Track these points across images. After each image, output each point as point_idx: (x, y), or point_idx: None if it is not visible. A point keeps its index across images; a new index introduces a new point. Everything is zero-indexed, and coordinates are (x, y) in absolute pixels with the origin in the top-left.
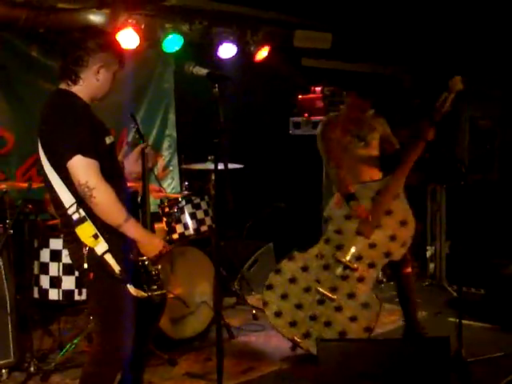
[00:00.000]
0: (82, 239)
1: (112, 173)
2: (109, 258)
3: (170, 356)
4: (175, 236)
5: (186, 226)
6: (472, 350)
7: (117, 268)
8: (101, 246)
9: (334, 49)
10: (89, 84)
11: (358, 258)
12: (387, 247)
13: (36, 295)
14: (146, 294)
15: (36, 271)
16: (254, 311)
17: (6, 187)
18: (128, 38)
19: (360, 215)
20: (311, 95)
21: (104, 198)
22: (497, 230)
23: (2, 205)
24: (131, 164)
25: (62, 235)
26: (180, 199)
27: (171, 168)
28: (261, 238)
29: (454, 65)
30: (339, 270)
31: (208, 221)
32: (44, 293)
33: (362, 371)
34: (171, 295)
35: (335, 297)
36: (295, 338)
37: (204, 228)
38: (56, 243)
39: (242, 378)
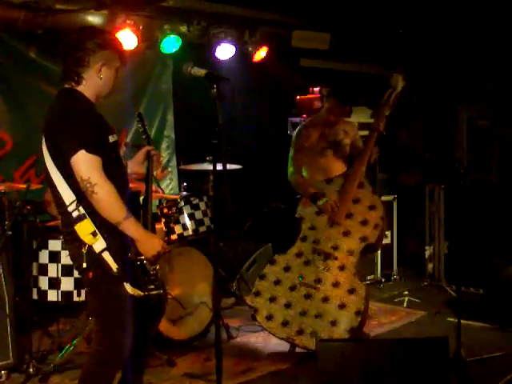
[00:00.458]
0: (81, 236)
1: (114, 171)
2: (107, 256)
3: (169, 357)
4: (174, 237)
5: (184, 227)
6: (471, 349)
7: (114, 266)
8: (99, 244)
9: (333, 49)
10: (92, 83)
11: (335, 247)
12: (361, 232)
13: (35, 296)
14: (142, 293)
15: (35, 272)
16: (252, 312)
17: (4, 188)
18: (126, 39)
19: (327, 209)
20: (309, 95)
21: (105, 195)
22: (495, 230)
23: (1, 206)
24: (136, 165)
25: (61, 236)
26: (178, 200)
27: (170, 169)
28: (259, 239)
29: (452, 65)
30: (320, 263)
31: (207, 221)
32: (43, 294)
33: (362, 371)
34: (168, 296)
35: (318, 285)
36: (290, 337)
37: (203, 229)
38: (55, 244)
39: (242, 378)
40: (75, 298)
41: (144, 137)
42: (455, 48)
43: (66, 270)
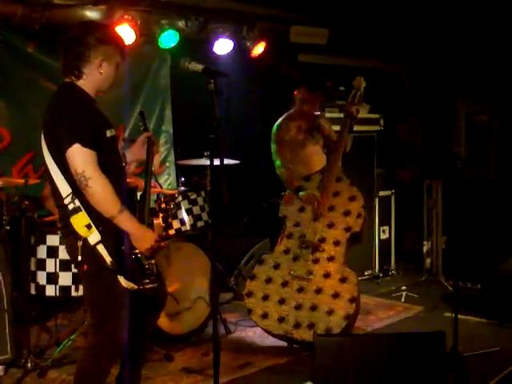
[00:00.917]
0: (76, 229)
1: (111, 165)
2: (101, 248)
3: (167, 351)
4: (172, 231)
5: (182, 222)
6: (468, 344)
7: (108, 259)
8: (94, 237)
9: (331, 44)
10: (92, 78)
11: (321, 240)
12: (345, 223)
13: (33, 291)
14: (136, 287)
15: (33, 267)
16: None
17: (2, 184)
18: (124, 34)
19: (310, 200)
20: None
21: (99, 189)
22: (493, 225)
23: None
24: (135, 151)
25: (59, 231)
26: (176, 195)
27: (168, 164)
28: (257, 234)
29: (450, 60)
30: (309, 256)
31: (204, 216)
32: (41, 289)
33: (359, 366)
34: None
35: (311, 277)
36: (288, 332)
37: (200, 223)
38: (53, 239)
39: (239, 372)
40: (73, 293)
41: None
42: (453, 43)
43: (64, 265)
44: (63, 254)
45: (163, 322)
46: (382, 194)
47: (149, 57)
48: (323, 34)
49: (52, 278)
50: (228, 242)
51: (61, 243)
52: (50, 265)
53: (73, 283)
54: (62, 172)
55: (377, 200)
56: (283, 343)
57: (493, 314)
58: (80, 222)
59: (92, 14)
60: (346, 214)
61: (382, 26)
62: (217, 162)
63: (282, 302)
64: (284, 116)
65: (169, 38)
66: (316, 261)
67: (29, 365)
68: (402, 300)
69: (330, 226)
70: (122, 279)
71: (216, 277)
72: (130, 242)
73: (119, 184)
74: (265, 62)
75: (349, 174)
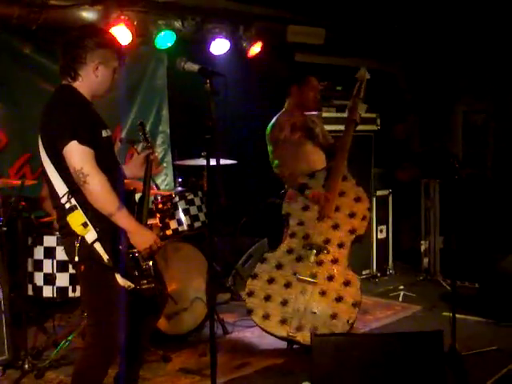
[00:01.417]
0: (72, 227)
1: (107, 165)
2: (98, 246)
3: (164, 352)
4: (169, 232)
5: (179, 222)
6: (466, 343)
7: (105, 257)
8: (90, 235)
9: (328, 44)
10: (88, 80)
11: (326, 241)
12: (350, 224)
13: (30, 292)
14: (133, 285)
15: (30, 268)
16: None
17: None
18: (120, 35)
19: (318, 197)
20: None
21: (97, 185)
22: (491, 225)
23: None
24: (136, 168)
25: (56, 232)
26: (173, 195)
27: (165, 164)
28: (255, 234)
29: (447, 59)
30: (313, 257)
31: (202, 216)
32: (38, 290)
33: (356, 365)
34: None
35: (317, 280)
36: (289, 335)
37: (198, 224)
38: (50, 240)
39: (237, 373)
40: (70, 294)
41: (145, 145)
42: (450, 42)
43: (62, 266)
44: (60, 254)
45: (161, 322)
46: (379, 193)
47: (145, 57)
48: (320, 33)
49: (49, 279)
50: (226, 242)
51: (58, 244)
52: (47, 266)
53: (70, 284)
54: (58, 171)
55: (374, 200)
56: (281, 344)
57: (491, 313)
58: (76, 220)
59: (88, 14)
60: (352, 215)
61: (379, 25)
62: (213, 162)
63: (284, 303)
64: (277, 116)
65: (165, 39)
66: (320, 263)
67: (26, 366)
68: (400, 299)
69: (335, 227)
70: (118, 277)
71: (213, 277)
72: (127, 240)
73: (116, 184)
74: (262, 62)
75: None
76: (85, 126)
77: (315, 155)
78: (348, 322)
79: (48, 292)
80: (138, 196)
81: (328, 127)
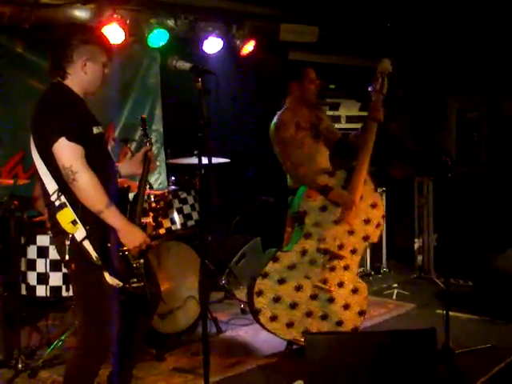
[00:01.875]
0: (62, 225)
1: (98, 162)
2: (87, 244)
3: (157, 351)
4: (162, 231)
5: (172, 221)
6: (460, 341)
7: (94, 254)
8: (79, 233)
9: (321, 42)
10: (77, 78)
11: (341, 246)
12: (364, 231)
13: (23, 292)
14: (121, 284)
15: (23, 268)
16: (242, 305)
17: None
18: (113, 34)
19: (344, 200)
20: None
21: (86, 183)
22: (484, 222)
23: None
24: (134, 166)
25: (49, 231)
26: (167, 194)
27: (158, 163)
28: (248, 233)
29: (440, 57)
30: (326, 262)
31: (195, 215)
32: (31, 289)
33: (350, 364)
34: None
35: (332, 288)
36: (296, 338)
37: (191, 223)
38: (43, 240)
39: (230, 371)
40: (64, 293)
41: (145, 140)
42: (443, 40)
43: (55, 265)
44: (53, 254)
45: (154, 321)
46: None
47: (138, 56)
48: (313, 31)
49: (42, 279)
50: (219, 241)
51: (51, 243)
52: (41, 265)
53: (63, 283)
54: (48, 169)
55: None
56: (274, 342)
57: (484, 311)
58: (65, 218)
59: (81, 13)
60: (367, 221)
61: (372, 23)
62: (205, 160)
63: (293, 306)
64: (279, 114)
65: (158, 37)
66: (332, 268)
67: (20, 365)
68: (394, 297)
69: (351, 232)
70: (107, 275)
71: (205, 276)
72: (117, 239)
73: (107, 181)
74: (255, 61)
75: None
76: (74, 122)
77: (319, 154)
78: (352, 329)
79: (41, 291)
80: (131, 195)
81: None
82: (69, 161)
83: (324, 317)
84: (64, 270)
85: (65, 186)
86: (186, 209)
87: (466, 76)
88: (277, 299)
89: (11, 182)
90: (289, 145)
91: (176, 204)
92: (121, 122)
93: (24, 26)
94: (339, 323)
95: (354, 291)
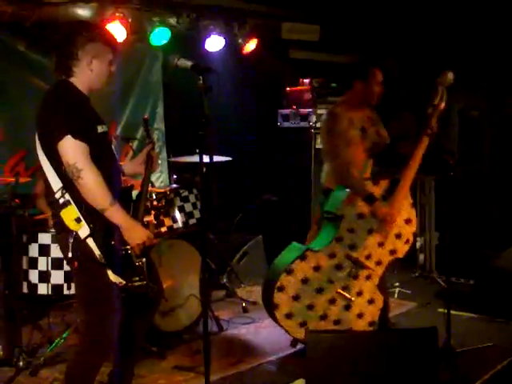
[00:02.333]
0: (66, 222)
1: (103, 160)
2: (90, 242)
3: (159, 349)
4: (164, 229)
5: (174, 219)
6: (461, 340)
7: (97, 252)
8: (83, 230)
9: (322, 41)
10: (83, 76)
11: (368, 256)
12: (393, 245)
13: (25, 290)
14: (124, 282)
15: (25, 266)
16: (243, 304)
17: None
18: (115, 32)
19: (385, 217)
20: (299, 87)
21: (91, 180)
22: (486, 221)
23: None
24: (137, 165)
25: (50, 229)
26: (168, 192)
27: (160, 161)
28: (250, 231)
29: (441, 55)
30: (352, 270)
31: (196, 214)
32: (33, 287)
33: (351, 362)
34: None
35: (354, 298)
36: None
37: (192, 221)
38: (44, 238)
39: (231, 370)
40: (65, 292)
41: (147, 141)
42: (445, 38)
43: (56, 264)
44: (55, 252)
45: (156, 319)
46: None
47: (140, 54)
48: (315, 30)
49: (44, 277)
50: (221, 239)
51: (53, 241)
52: (42, 263)
53: (65, 281)
54: (53, 166)
55: None
56: (276, 341)
57: (486, 310)
58: (69, 215)
59: (83, 11)
60: (398, 236)
61: (373, 21)
62: (207, 158)
63: (310, 307)
64: (332, 106)
65: (160, 36)
66: (356, 277)
67: (21, 363)
68: (395, 296)
69: (380, 244)
70: (110, 273)
71: (206, 272)
72: (120, 237)
73: (111, 179)
74: (256, 59)
75: None
76: (79, 121)
77: (360, 159)
78: None
79: (43, 289)
80: (135, 193)
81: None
82: (73, 158)
83: (337, 322)
84: (65, 268)
85: (69, 184)
86: (188, 207)
87: (468, 74)
88: (296, 297)
89: (13, 180)
90: (341, 140)
91: (177, 202)
92: (123, 120)
93: (26, 24)
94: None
95: (370, 302)
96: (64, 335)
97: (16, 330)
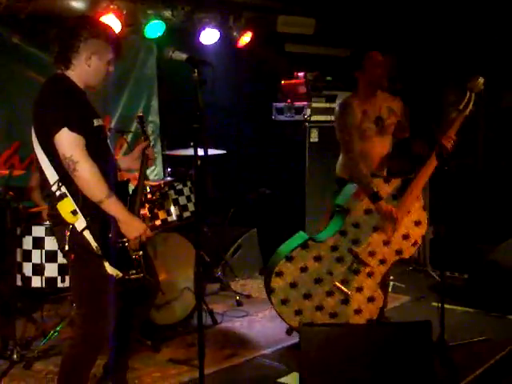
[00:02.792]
0: (62, 215)
1: (98, 154)
2: (87, 234)
3: (153, 342)
4: (158, 222)
5: (168, 212)
6: (455, 334)
7: (94, 244)
8: (80, 223)
9: (318, 34)
10: (80, 70)
11: (371, 253)
12: (399, 245)
13: (19, 283)
14: (121, 274)
15: (19, 259)
16: (237, 297)
17: None
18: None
19: (387, 217)
20: (294, 80)
21: (87, 172)
22: (480, 215)
23: None
24: (132, 160)
25: (45, 222)
26: (162, 185)
27: (156, 155)
28: (244, 224)
29: (438, 50)
30: (353, 265)
31: (191, 207)
32: (27, 280)
33: (345, 355)
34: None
35: (350, 292)
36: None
37: (187, 214)
38: (38, 230)
39: (225, 363)
40: (59, 284)
41: (143, 138)
42: (441, 33)
43: (50, 256)
44: (49, 245)
45: (150, 312)
46: None
47: (135, 47)
48: (310, 23)
49: (38, 270)
50: (215, 233)
51: (47, 234)
52: (36, 256)
53: (59, 274)
54: (49, 159)
55: None
56: (270, 334)
57: (480, 304)
58: (66, 207)
59: (77, 4)
60: (405, 237)
61: (369, 15)
62: (201, 151)
63: (307, 296)
64: (347, 97)
65: (155, 28)
66: (357, 272)
67: (15, 356)
68: (389, 290)
69: (386, 243)
70: (107, 265)
71: (200, 265)
72: (117, 230)
73: (107, 173)
74: (251, 52)
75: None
76: (76, 113)
77: (377, 153)
78: None
79: (37, 282)
80: (131, 188)
81: (317, 117)
82: (70, 151)
83: (333, 315)
84: (59, 260)
85: (65, 176)
86: (182, 200)
87: (463, 69)
88: (293, 285)
89: (6, 172)
90: (354, 133)
91: (172, 195)
92: (117, 113)
93: (21, 17)
94: None
95: (370, 299)
96: (58, 328)
97: (10, 322)
